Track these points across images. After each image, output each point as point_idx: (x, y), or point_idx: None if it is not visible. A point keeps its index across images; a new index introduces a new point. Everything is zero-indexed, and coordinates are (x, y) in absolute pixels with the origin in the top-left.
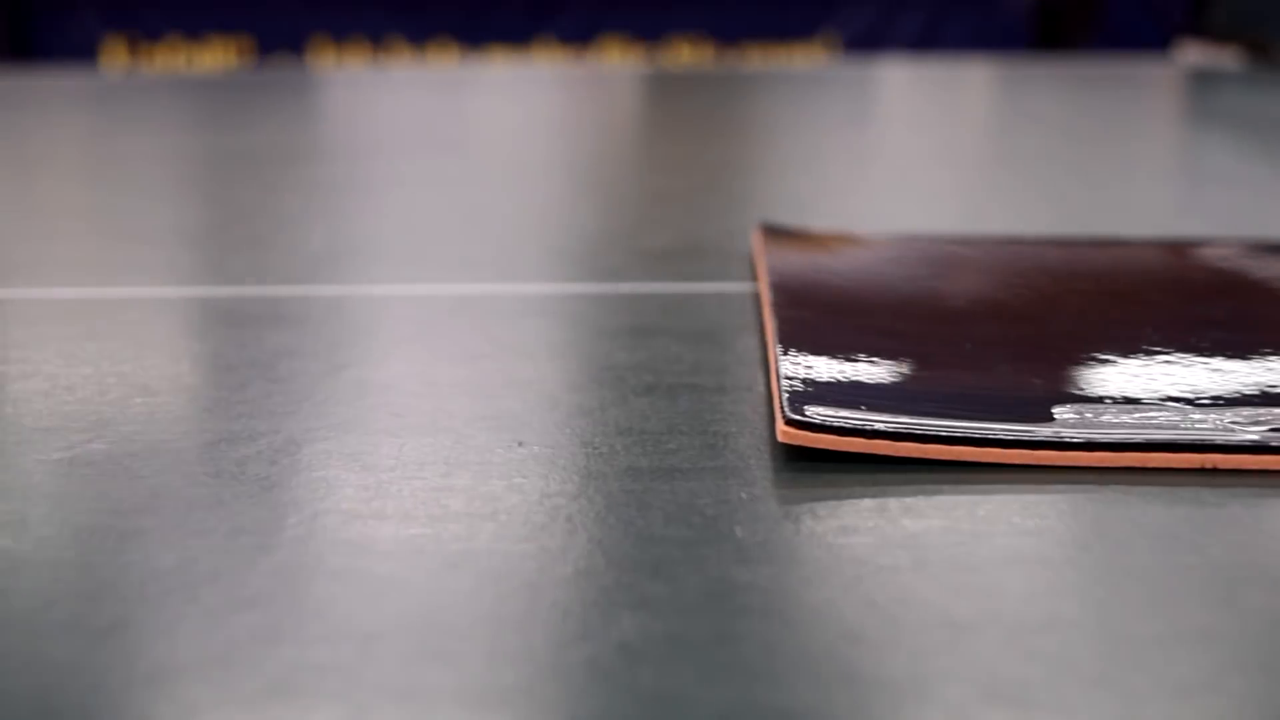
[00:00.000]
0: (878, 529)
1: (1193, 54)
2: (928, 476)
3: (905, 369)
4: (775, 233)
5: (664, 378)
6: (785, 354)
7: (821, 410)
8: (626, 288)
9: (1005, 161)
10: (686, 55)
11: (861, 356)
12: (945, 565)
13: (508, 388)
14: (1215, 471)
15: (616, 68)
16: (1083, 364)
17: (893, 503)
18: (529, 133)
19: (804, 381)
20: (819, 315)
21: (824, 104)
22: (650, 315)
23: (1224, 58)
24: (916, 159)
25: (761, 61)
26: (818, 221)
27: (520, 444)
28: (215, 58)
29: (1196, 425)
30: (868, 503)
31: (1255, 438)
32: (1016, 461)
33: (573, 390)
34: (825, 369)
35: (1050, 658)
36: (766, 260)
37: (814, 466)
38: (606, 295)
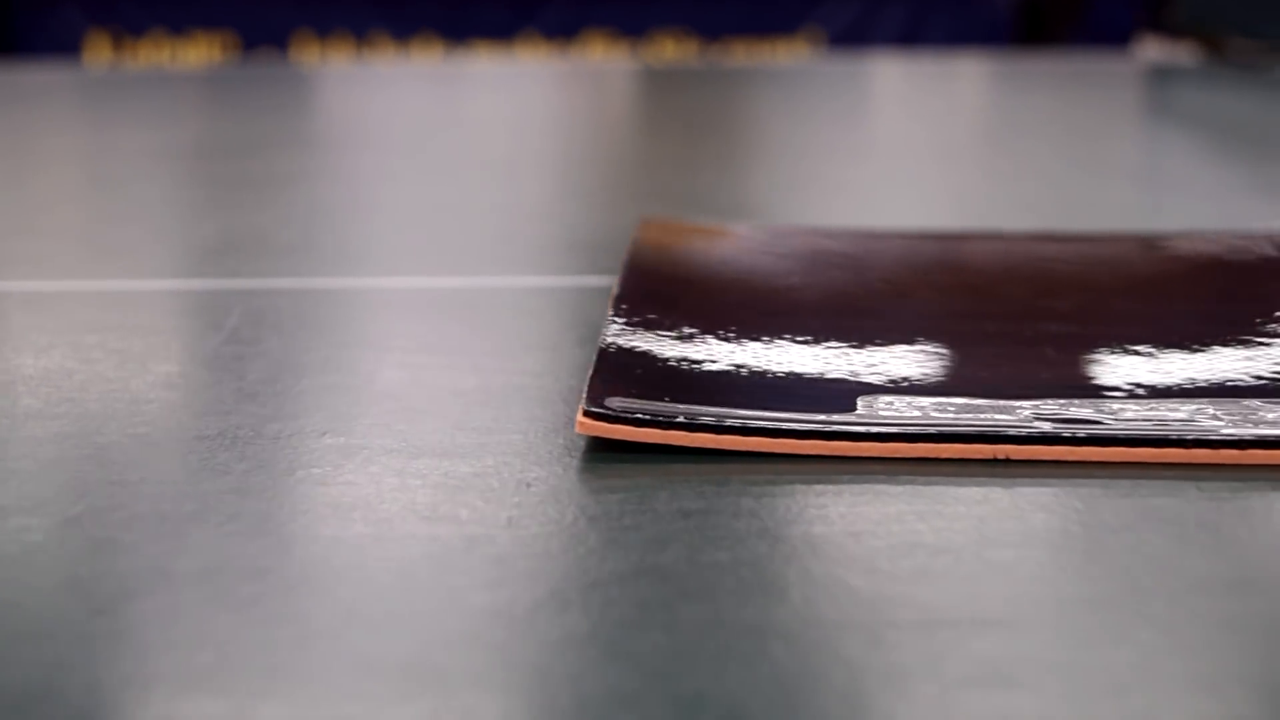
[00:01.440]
0: (652, 519)
1: (1152, 50)
2: (753, 469)
3: (726, 361)
4: (656, 225)
5: (497, 375)
6: (607, 345)
7: (623, 401)
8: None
9: (952, 156)
10: (670, 51)
11: (684, 349)
12: (682, 559)
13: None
14: (1009, 462)
15: (598, 64)
16: (905, 356)
17: (668, 494)
18: (500, 129)
19: (614, 372)
20: (656, 307)
21: (794, 100)
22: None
23: (1180, 54)
24: (866, 153)
25: (745, 57)
26: (774, 215)
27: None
28: (199, 53)
29: (996, 416)
30: (648, 495)
31: (1048, 428)
32: (810, 452)
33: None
34: (640, 360)
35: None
36: (629, 252)
37: (621, 459)
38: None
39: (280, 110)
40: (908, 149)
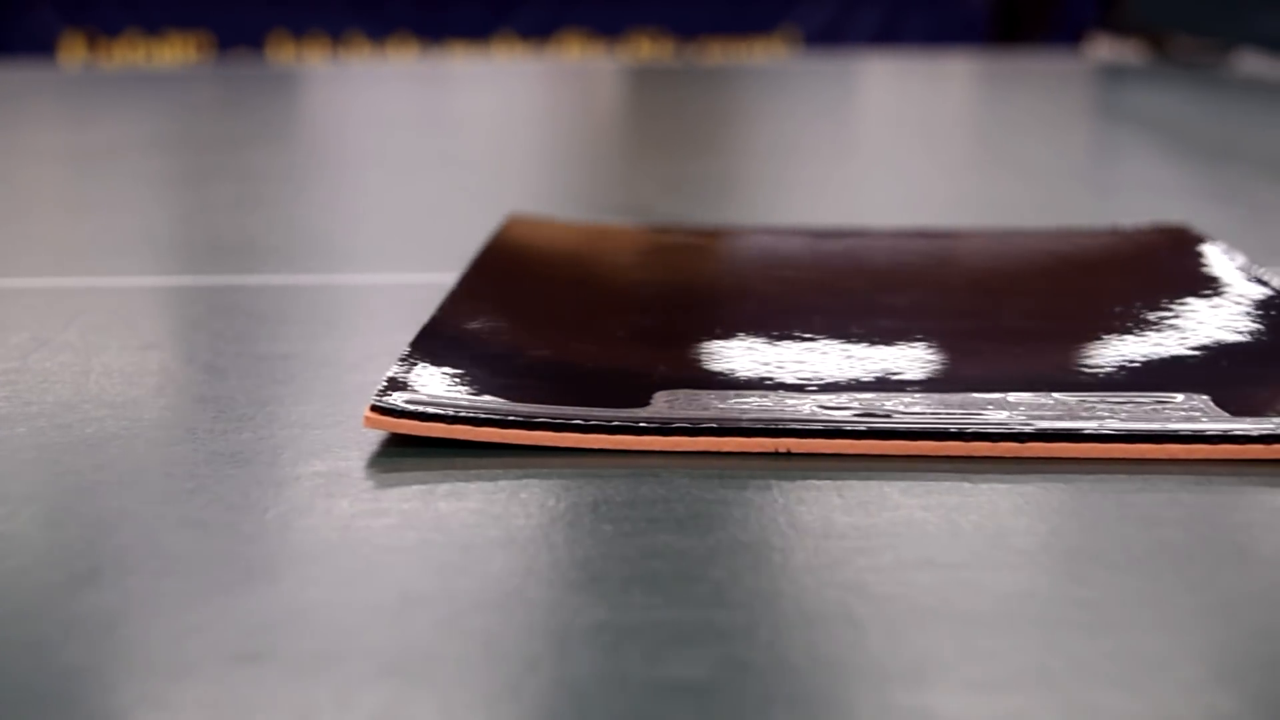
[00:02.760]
0: (410, 512)
1: (1103, 49)
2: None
3: (535, 357)
4: (521, 223)
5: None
6: (419, 341)
7: (413, 396)
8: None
9: (887, 154)
10: (647, 51)
11: (497, 344)
12: (449, 548)
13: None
14: (790, 455)
15: (574, 63)
16: (715, 352)
17: (444, 488)
18: (464, 127)
19: (414, 368)
20: (484, 304)
21: (753, 98)
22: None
23: (1128, 53)
24: (800, 151)
25: (722, 56)
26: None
27: None
28: (174, 53)
29: (785, 410)
30: (427, 488)
31: (831, 422)
32: (594, 446)
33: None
34: (448, 355)
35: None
36: (481, 249)
37: (419, 453)
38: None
39: (240, 108)
40: (846, 147)
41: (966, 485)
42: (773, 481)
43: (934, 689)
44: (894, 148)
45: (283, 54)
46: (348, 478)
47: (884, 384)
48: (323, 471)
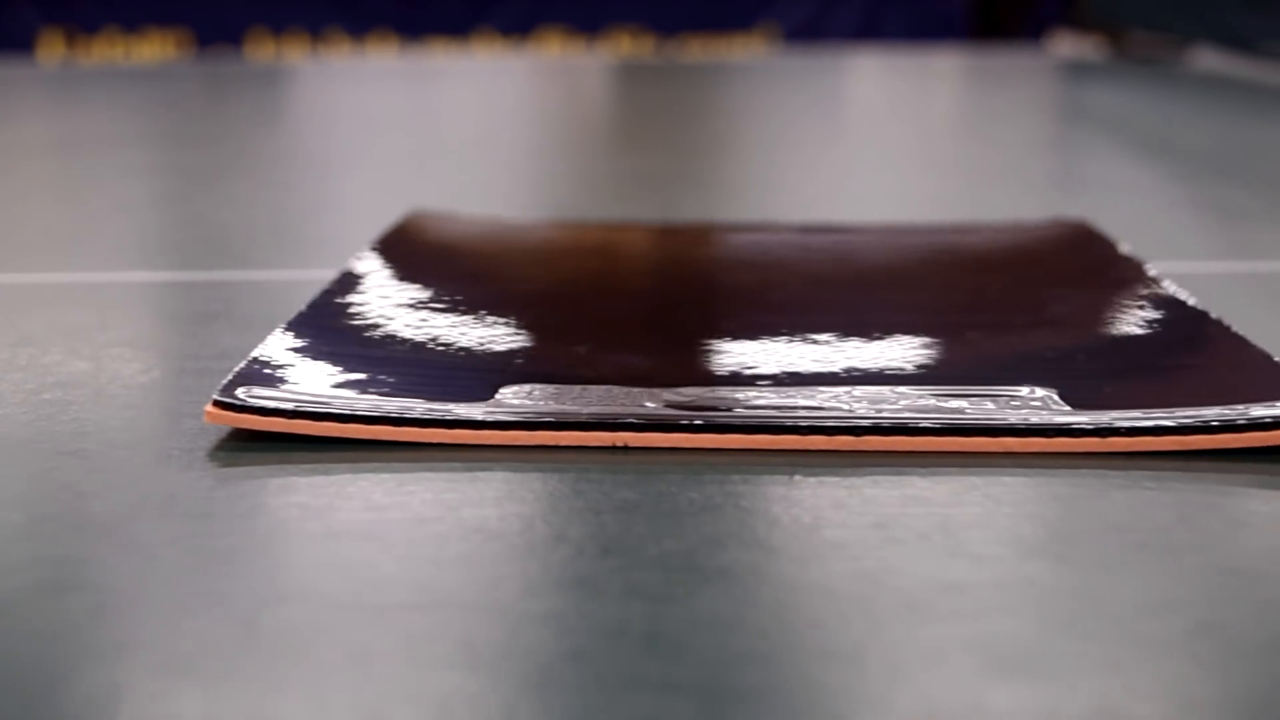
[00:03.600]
0: (235, 507)
1: (1064, 45)
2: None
3: (395, 352)
4: (417, 219)
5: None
6: (280, 336)
7: (255, 392)
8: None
9: (831, 150)
10: (626, 47)
11: (357, 340)
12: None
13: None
14: (627, 449)
15: (553, 59)
16: (571, 346)
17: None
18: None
19: (265, 363)
20: (356, 298)
21: (711, 96)
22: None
23: (1088, 49)
24: (748, 146)
25: (702, 53)
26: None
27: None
28: (153, 50)
29: (626, 404)
30: (263, 483)
31: (668, 416)
32: (432, 440)
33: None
34: (301, 352)
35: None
36: (370, 245)
37: (264, 448)
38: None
39: (206, 105)
40: (796, 143)
41: (797, 477)
42: (607, 475)
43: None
44: (841, 143)
45: (262, 51)
46: (185, 472)
47: (736, 378)
48: (156, 464)
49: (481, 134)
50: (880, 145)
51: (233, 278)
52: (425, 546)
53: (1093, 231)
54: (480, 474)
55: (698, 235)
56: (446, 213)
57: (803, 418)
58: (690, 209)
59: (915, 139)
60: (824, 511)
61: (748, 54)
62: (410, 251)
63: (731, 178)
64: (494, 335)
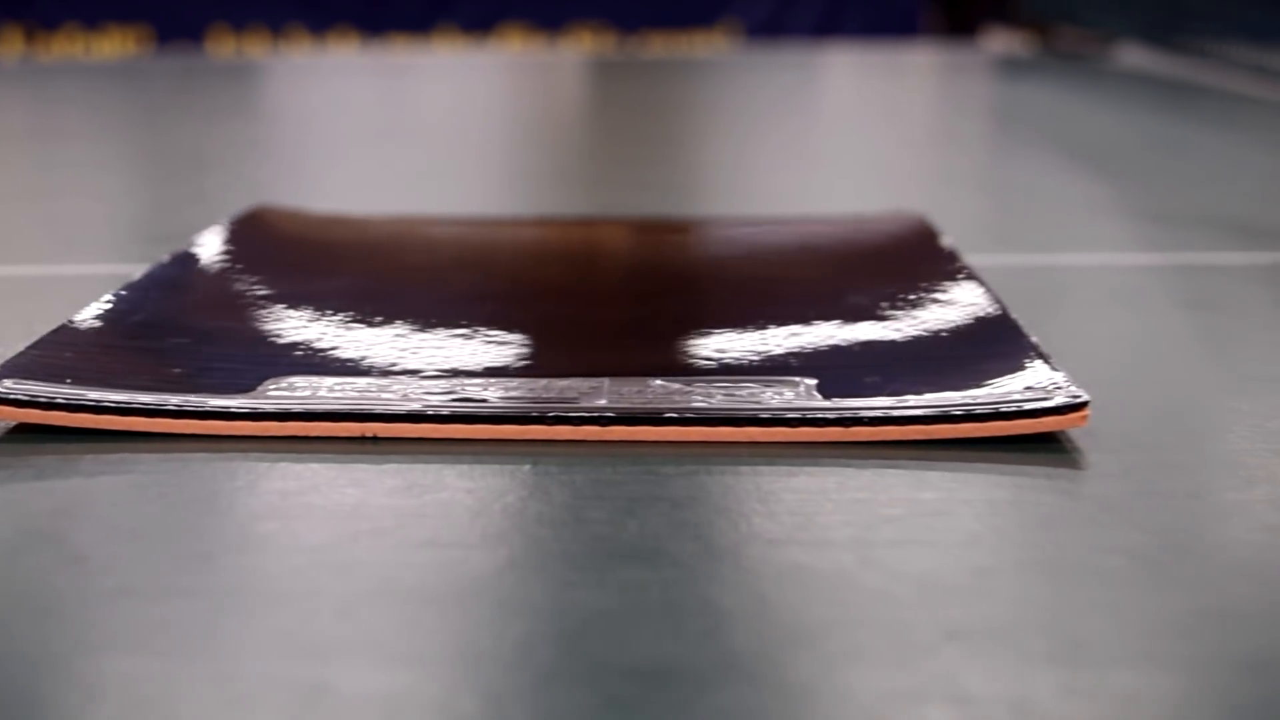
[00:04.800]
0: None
1: (997, 41)
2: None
3: (174, 344)
4: (256, 214)
5: None
6: (58, 330)
7: (26, 385)
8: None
9: (730, 146)
10: (588, 44)
11: (138, 332)
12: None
13: None
14: (377, 440)
15: (516, 56)
16: (343, 338)
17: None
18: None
19: (34, 355)
20: (154, 291)
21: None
22: None
23: (1018, 45)
24: (663, 140)
25: (663, 50)
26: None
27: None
28: (113, 47)
29: (381, 395)
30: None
31: (418, 407)
32: (187, 431)
33: None
34: (70, 345)
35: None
36: (195, 238)
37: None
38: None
39: (145, 101)
40: (702, 139)
41: (527, 469)
42: (362, 465)
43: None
44: (739, 137)
45: (223, 47)
46: None
47: (492, 371)
48: None
49: (438, 129)
50: (777, 139)
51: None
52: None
53: (922, 224)
54: (249, 461)
55: (532, 229)
56: (291, 208)
57: (550, 408)
58: (611, 204)
59: (811, 133)
60: (526, 501)
61: (709, 50)
62: (235, 245)
63: (649, 172)
64: (283, 328)
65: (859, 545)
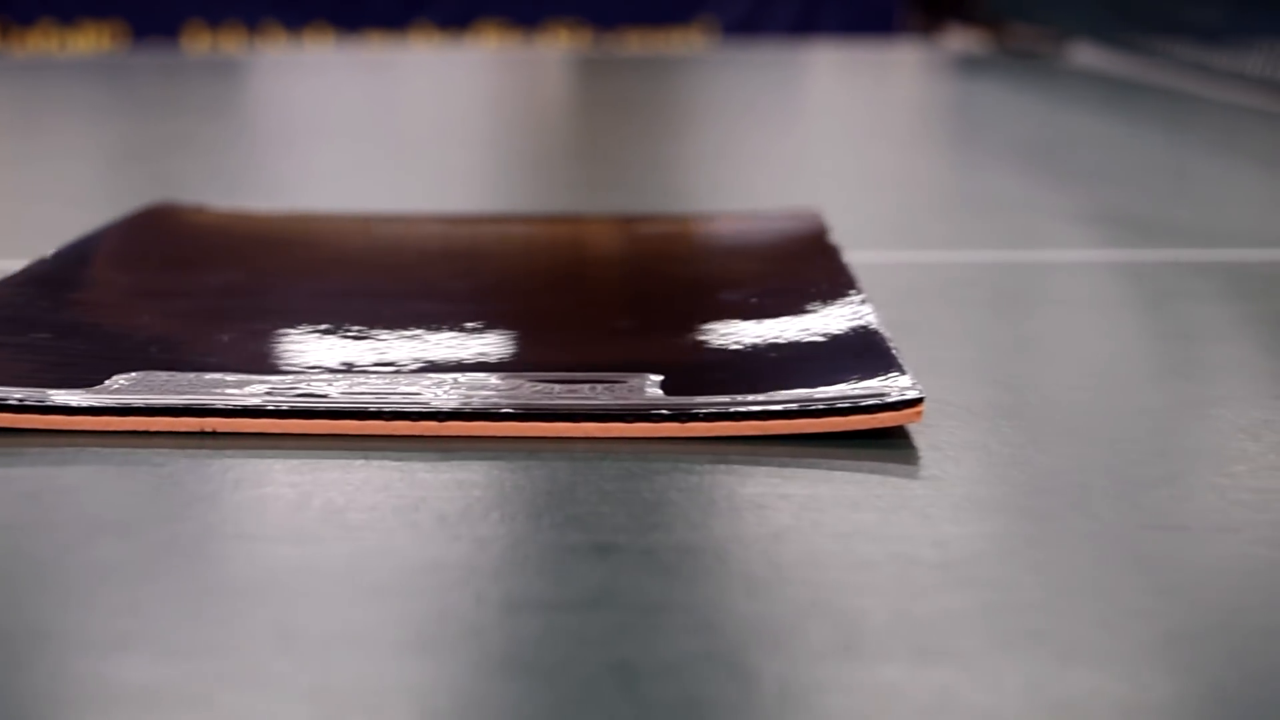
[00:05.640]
0: None
1: (954, 39)
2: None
3: (35, 339)
4: (154, 210)
5: None
6: None
7: None
8: None
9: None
10: (564, 41)
11: (28, 331)
12: None
13: None
14: (215, 434)
15: (490, 52)
16: (221, 333)
17: None
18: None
19: None
20: (18, 290)
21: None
22: None
23: (973, 42)
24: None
25: (640, 47)
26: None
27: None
28: (88, 42)
29: (226, 391)
30: None
31: (256, 401)
32: (28, 425)
33: None
34: None
35: None
36: (82, 234)
37: None
38: None
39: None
40: (637, 137)
41: (358, 463)
42: (204, 459)
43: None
44: (674, 136)
45: (198, 44)
46: None
47: (346, 366)
48: None
49: (408, 125)
50: (718, 136)
51: None
52: None
53: (814, 221)
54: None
55: (427, 224)
56: (193, 204)
57: (390, 403)
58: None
59: (749, 131)
60: (348, 494)
61: (685, 48)
62: (120, 241)
63: (588, 170)
64: (146, 324)
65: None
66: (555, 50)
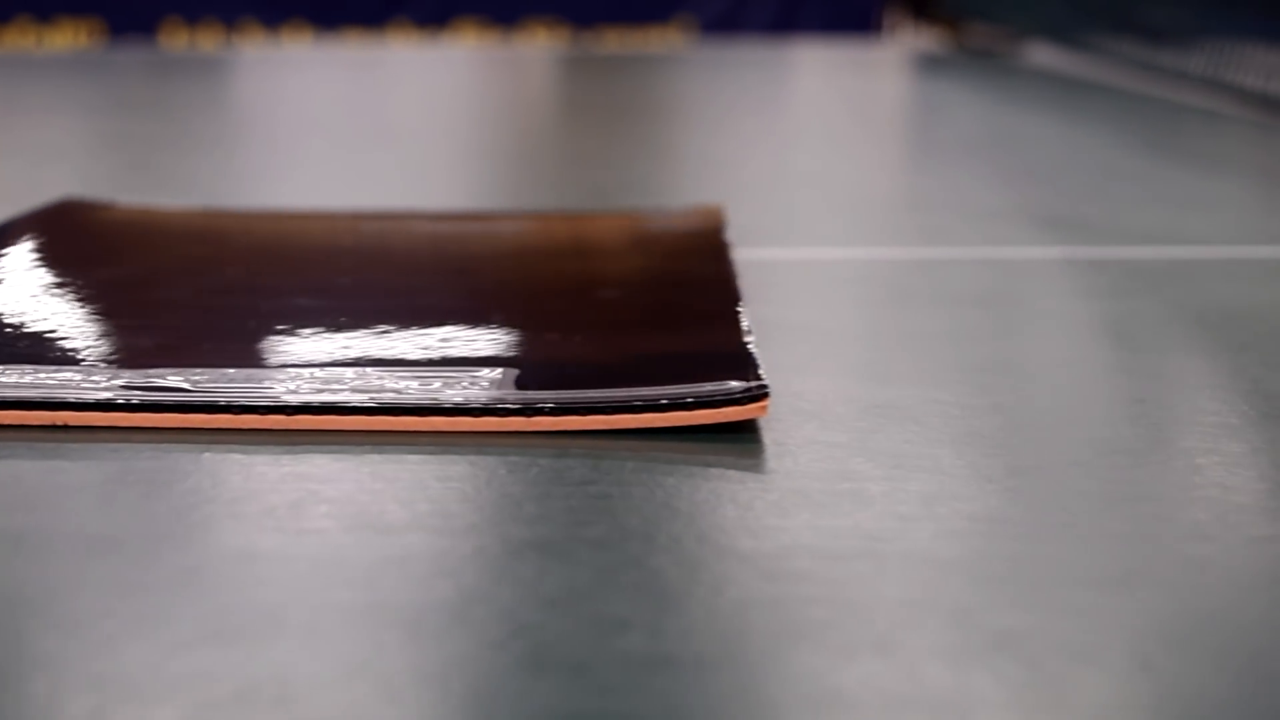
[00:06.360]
0: None
1: (914, 37)
2: None
3: None
4: (65, 206)
5: None
6: None
7: None
8: None
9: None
10: (542, 39)
11: None
12: None
13: None
14: (68, 428)
15: (467, 50)
16: (66, 328)
17: None
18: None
19: None
20: None
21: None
22: None
23: (931, 41)
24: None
25: (618, 45)
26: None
27: None
28: (65, 39)
29: (77, 384)
30: None
31: (107, 395)
32: None
33: None
34: None
35: None
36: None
37: None
38: None
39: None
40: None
41: (178, 455)
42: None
43: None
44: (613, 132)
45: (176, 41)
46: None
47: (205, 360)
48: None
49: (382, 123)
50: (656, 135)
51: None
52: None
53: (714, 218)
54: None
55: (317, 222)
56: (101, 200)
57: (240, 397)
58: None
59: (692, 129)
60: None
61: (663, 46)
62: (12, 236)
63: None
64: (18, 318)
65: (470, 532)
66: (533, 49)
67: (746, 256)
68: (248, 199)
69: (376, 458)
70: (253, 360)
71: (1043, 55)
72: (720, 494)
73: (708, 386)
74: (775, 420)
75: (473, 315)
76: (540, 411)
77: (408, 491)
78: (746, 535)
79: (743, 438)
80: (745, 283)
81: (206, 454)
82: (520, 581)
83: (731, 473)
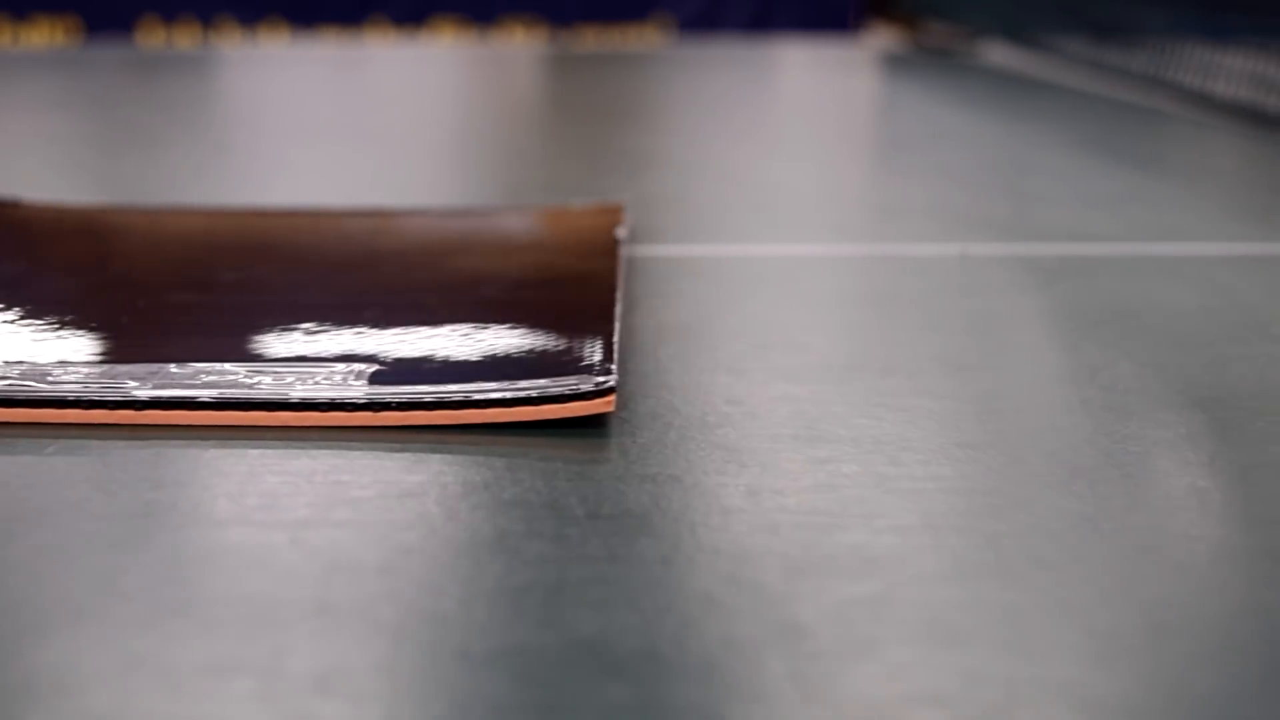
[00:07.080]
0: None
1: (876, 36)
2: None
3: None
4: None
5: None
6: None
7: None
8: None
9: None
10: (520, 37)
11: None
12: None
13: None
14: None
15: (445, 48)
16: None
17: None
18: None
19: None
20: None
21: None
22: None
23: (892, 40)
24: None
25: (596, 43)
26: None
27: None
28: (42, 37)
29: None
30: None
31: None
32: None
33: None
34: None
35: None
36: None
37: None
38: None
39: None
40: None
41: (50, 449)
42: None
43: None
44: (542, 130)
45: (153, 39)
46: None
47: (65, 359)
48: None
49: (354, 121)
50: (595, 134)
51: None
52: None
53: (612, 215)
54: None
55: (221, 218)
56: (7, 197)
57: (90, 393)
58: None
59: (637, 127)
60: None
61: (641, 45)
62: None
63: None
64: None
65: (298, 526)
66: (511, 47)
67: (647, 254)
68: (206, 198)
69: (220, 453)
70: (115, 356)
71: (998, 54)
72: (557, 487)
73: (555, 381)
74: (623, 419)
75: (347, 312)
76: (388, 406)
77: (239, 485)
78: (571, 524)
79: (588, 432)
80: (643, 281)
81: (50, 447)
82: (334, 579)
83: (574, 467)
